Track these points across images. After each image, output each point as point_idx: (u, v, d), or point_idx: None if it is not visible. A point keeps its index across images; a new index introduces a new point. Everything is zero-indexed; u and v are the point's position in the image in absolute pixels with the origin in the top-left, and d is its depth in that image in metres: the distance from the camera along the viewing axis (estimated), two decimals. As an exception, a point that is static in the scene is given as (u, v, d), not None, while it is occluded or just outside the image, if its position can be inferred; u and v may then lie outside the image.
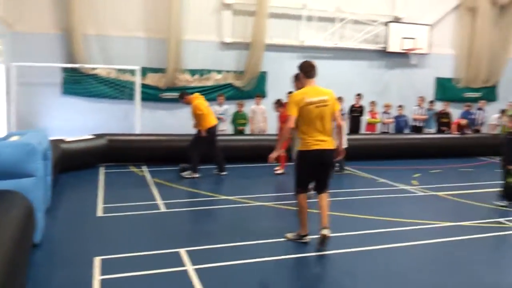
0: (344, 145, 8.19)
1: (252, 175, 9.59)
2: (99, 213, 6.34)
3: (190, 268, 4.53)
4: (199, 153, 8.85)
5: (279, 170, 9.56)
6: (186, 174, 8.90)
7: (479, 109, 13.86)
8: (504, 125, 13.43)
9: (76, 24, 12.88)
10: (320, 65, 14.49)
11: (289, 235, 5.44)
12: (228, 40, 14.33)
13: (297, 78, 5.71)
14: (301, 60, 5.67)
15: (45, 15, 13.01)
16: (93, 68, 13.21)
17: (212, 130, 8.95)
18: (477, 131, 13.55)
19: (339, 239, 5.40)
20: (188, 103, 9.10)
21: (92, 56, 13.25)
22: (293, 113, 5.06)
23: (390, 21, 15.04)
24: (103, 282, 4.15)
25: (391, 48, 15.02)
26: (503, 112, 13.51)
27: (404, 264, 4.87)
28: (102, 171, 8.94)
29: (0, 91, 11.71)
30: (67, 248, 5.05)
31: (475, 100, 15.14)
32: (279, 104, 9.49)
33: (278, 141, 5.19)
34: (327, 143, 5.15)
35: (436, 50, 15.74)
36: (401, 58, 15.44)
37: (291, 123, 5.08)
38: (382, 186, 8.62)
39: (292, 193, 5.54)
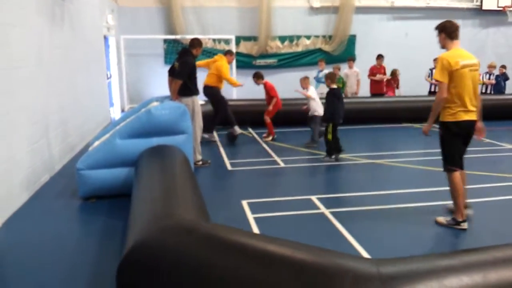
0: None
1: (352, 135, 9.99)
2: (229, 167, 7.16)
3: (325, 211, 5.16)
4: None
5: (268, 137, 9.26)
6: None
7: None
8: None
9: (175, -3, 13.74)
10: (411, 26, 14.64)
11: (442, 220, 4.70)
12: (316, 4, 14.58)
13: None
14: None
15: (146, -11, 13.98)
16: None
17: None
18: None
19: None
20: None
21: (189, 27, 14.12)
22: (445, 80, 4.46)
23: (485, -23, 14.53)
24: (256, 219, 4.88)
25: (486, 6, 14.53)
26: None
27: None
28: (214, 133, 9.78)
29: (112, 62, 12.92)
30: (218, 194, 5.89)
31: None
32: (257, 77, 9.19)
33: (430, 114, 4.58)
34: (475, 113, 4.58)
35: (535, 6, 15.00)
36: (497, 16, 14.89)
37: (444, 93, 4.46)
38: (489, 145, 8.59)
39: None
